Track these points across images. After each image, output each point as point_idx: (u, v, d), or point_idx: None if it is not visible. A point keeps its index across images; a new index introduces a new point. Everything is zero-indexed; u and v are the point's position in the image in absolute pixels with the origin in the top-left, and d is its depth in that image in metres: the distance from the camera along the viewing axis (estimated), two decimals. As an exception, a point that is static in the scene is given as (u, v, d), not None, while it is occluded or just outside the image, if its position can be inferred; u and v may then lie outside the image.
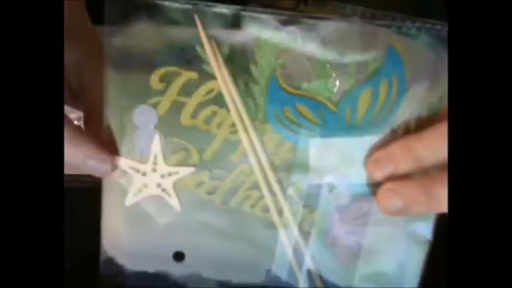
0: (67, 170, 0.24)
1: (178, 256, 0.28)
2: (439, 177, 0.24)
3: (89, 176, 0.30)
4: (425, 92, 0.25)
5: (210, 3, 0.23)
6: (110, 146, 0.26)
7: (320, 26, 0.23)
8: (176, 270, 0.28)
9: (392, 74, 0.25)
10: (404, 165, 0.24)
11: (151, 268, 0.28)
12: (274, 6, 0.26)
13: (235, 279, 0.28)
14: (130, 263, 0.28)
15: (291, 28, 0.23)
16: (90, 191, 0.29)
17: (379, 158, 0.25)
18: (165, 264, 0.28)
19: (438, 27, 0.24)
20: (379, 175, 0.25)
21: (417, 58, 0.24)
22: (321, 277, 0.28)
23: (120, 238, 0.28)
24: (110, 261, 0.28)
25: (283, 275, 0.28)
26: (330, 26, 0.23)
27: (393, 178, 0.25)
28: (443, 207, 0.23)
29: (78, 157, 0.25)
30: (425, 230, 0.27)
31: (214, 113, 0.26)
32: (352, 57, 0.24)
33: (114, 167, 0.26)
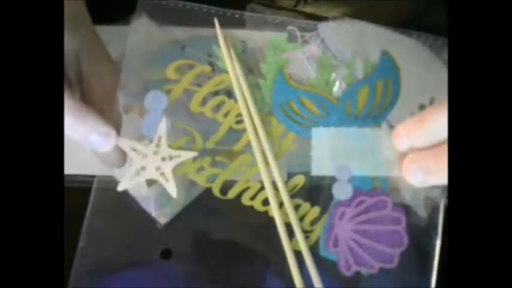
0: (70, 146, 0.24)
1: (166, 254, 0.25)
2: None
3: (89, 176, 0.29)
4: (418, 91, 0.27)
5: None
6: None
7: (320, 26, 0.27)
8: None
9: (387, 75, 0.27)
10: (419, 140, 0.24)
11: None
12: (274, 6, 0.30)
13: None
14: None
15: (291, 28, 0.27)
16: (89, 191, 0.28)
17: (398, 132, 0.25)
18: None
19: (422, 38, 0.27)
20: (399, 148, 0.25)
21: (411, 58, 0.27)
22: (320, 277, 0.25)
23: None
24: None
25: (282, 274, 0.24)
26: (329, 26, 0.27)
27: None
28: None
29: (81, 132, 0.25)
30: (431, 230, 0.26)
31: (222, 103, 0.27)
32: (351, 57, 0.27)
33: (116, 144, 0.26)
